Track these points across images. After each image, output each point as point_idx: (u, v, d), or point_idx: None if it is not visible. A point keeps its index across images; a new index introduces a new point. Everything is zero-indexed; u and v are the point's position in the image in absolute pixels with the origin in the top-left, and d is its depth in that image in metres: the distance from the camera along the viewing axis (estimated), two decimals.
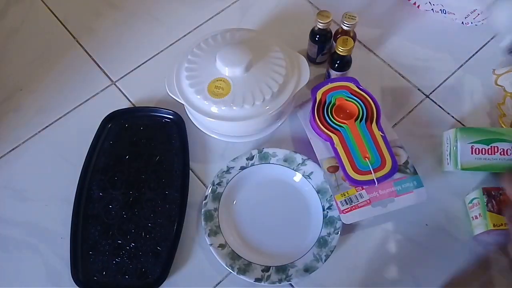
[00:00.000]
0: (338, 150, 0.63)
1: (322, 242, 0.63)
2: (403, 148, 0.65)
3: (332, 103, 0.66)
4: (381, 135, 0.63)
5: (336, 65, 0.69)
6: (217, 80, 0.64)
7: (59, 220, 0.66)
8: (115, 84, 0.78)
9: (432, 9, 0.80)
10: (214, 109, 0.63)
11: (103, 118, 0.72)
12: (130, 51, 0.80)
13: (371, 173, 0.61)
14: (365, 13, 0.79)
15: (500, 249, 0.63)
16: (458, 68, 0.77)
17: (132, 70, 0.79)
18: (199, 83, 0.64)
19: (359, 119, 0.64)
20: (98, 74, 0.78)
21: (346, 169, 0.62)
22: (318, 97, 0.66)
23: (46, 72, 0.79)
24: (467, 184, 0.67)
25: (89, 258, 0.63)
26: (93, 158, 0.70)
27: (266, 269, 0.62)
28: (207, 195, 0.66)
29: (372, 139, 0.63)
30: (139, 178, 0.68)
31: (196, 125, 0.72)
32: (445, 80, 0.76)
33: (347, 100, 0.66)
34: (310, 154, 0.67)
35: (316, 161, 0.66)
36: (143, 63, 0.79)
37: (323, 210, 0.65)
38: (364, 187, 0.62)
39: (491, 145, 0.63)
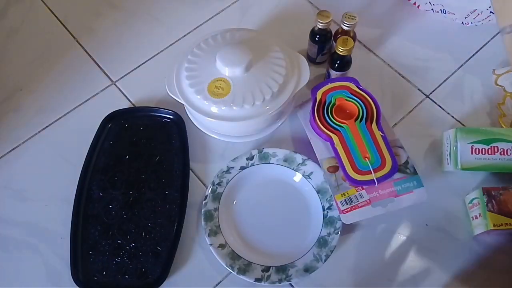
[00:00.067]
0: (338, 150, 0.63)
1: (322, 242, 0.63)
2: (403, 148, 0.65)
3: (332, 103, 0.66)
4: (381, 135, 0.63)
5: (336, 65, 0.69)
6: (217, 80, 0.64)
7: (59, 220, 0.66)
8: (115, 84, 0.78)
9: (432, 9, 0.79)
10: (214, 109, 0.63)
11: (103, 118, 0.72)
12: (130, 51, 0.80)
13: (371, 173, 0.61)
14: (365, 13, 0.79)
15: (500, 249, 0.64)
16: (458, 68, 0.77)
17: (132, 70, 0.79)
18: (199, 83, 0.64)
19: (359, 119, 0.64)
20: (98, 74, 0.78)
21: (346, 169, 0.62)
22: (318, 97, 0.66)
23: (46, 72, 0.79)
24: (467, 184, 0.67)
25: (89, 258, 0.63)
26: (93, 158, 0.70)
27: (266, 269, 0.62)
28: (207, 195, 0.66)
29: (372, 139, 0.63)
30: (139, 178, 0.68)
31: (196, 125, 0.72)
32: (445, 80, 0.76)
33: (347, 100, 0.66)
34: (310, 154, 0.67)
35: (316, 161, 0.66)
36: (143, 63, 0.79)
37: (323, 210, 0.65)
38: (364, 187, 0.62)
39: (491, 145, 0.63)
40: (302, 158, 0.67)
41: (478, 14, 0.75)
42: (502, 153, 0.63)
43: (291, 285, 0.63)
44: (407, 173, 0.63)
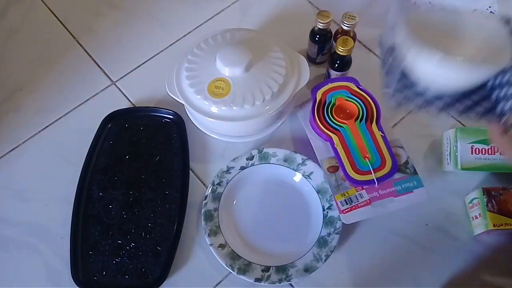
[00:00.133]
0: (338, 150, 0.63)
1: (322, 242, 0.63)
2: (403, 148, 0.65)
3: (332, 103, 0.66)
4: (381, 135, 0.63)
5: (336, 65, 0.69)
6: (217, 80, 0.64)
7: (59, 220, 0.66)
8: (115, 84, 0.78)
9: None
10: (214, 109, 0.63)
11: (103, 118, 0.72)
12: (130, 51, 0.80)
13: (371, 173, 0.61)
14: (365, 13, 0.79)
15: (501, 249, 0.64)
16: None
17: (132, 70, 0.79)
18: (199, 83, 0.64)
19: (359, 119, 0.64)
20: (98, 74, 0.78)
21: (346, 169, 0.62)
22: (318, 97, 0.66)
23: (46, 72, 0.79)
24: (467, 184, 0.67)
25: (89, 258, 0.63)
26: (93, 158, 0.70)
27: (266, 269, 0.62)
28: (207, 195, 0.66)
29: (372, 139, 0.63)
30: (139, 178, 0.68)
31: (196, 125, 0.72)
32: None
33: (347, 100, 0.66)
34: (310, 154, 0.67)
35: (316, 161, 0.66)
36: (143, 63, 0.79)
37: (323, 210, 0.65)
38: (364, 187, 0.62)
39: (491, 145, 0.63)
40: (302, 158, 0.67)
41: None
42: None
43: (291, 285, 0.63)
44: (407, 173, 0.63)
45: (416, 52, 0.44)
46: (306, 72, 0.67)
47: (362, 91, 0.66)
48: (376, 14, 0.83)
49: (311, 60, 0.77)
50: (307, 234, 0.65)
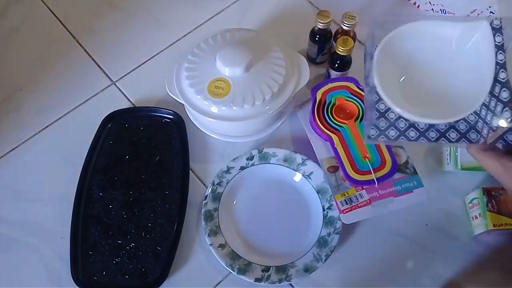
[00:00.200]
0: (338, 150, 0.63)
1: (322, 242, 0.63)
2: (403, 148, 0.65)
3: (332, 103, 0.66)
4: None
5: (336, 65, 0.69)
6: (217, 80, 0.64)
7: (59, 220, 0.66)
8: (115, 84, 0.78)
9: (432, 9, 0.79)
10: (214, 109, 0.63)
11: (103, 118, 0.72)
12: (130, 51, 0.80)
13: (371, 173, 0.61)
14: (365, 13, 0.79)
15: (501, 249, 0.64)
16: None
17: (132, 70, 0.79)
18: (199, 83, 0.64)
19: (359, 119, 0.64)
20: (98, 74, 0.78)
21: (346, 169, 0.62)
22: (318, 97, 0.66)
23: (46, 72, 0.79)
24: (467, 184, 0.67)
25: (89, 258, 0.63)
26: (93, 158, 0.70)
27: (266, 269, 0.62)
28: (207, 195, 0.66)
29: None
30: (139, 178, 0.68)
31: (196, 125, 0.72)
32: None
33: (347, 100, 0.66)
34: (310, 154, 0.67)
35: (316, 161, 0.66)
36: (143, 63, 0.79)
37: (323, 210, 0.65)
38: (364, 187, 0.62)
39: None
40: (302, 158, 0.67)
41: (478, 14, 0.75)
42: None
43: (291, 285, 0.63)
44: (407, 173, 0.63)
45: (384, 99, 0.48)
46: (306, 72, 0.67)
47: (362, 91, 0.66)
48: (376, 14, 0.83)
49: (311, 60, 0.77)
50: (307, 234, 0.65)
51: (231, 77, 0.64)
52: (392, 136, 0.48)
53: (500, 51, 0.46)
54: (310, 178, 0.67)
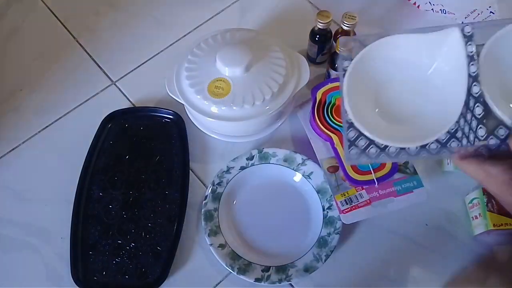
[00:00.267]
0: (338, 150, 0.63)
1: (322, 242, 0.63)
2: None
3: (332, 103, 0.66)
4: None
5: (336, 65, 0.69)
6: (217, 80, 0.64)
7: (59, 220, 0.66)
8: (115, 84, 0.78)
9: (432, 9, 0.79)
10: (214, 109, 0.63)
11: (103, 118, 0.72)
12: (130, 51, 0.80)
13: (371, 173, 0.61)
14: (365, 13, 0.79)
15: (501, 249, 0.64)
16: None
17: (132, 70, 0.79)
18: (199, 83, 0.64)
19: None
20: (98, 74, 0.78)
21: (346, 169, 0.62)
22: (318, 97, 0.66)
23: (46, 72, 0.79)
24: (467, 184, 0.67)
25: (89, 258, 0.63)
26: (93, 158, 0.70)
27: (266, 269, 0.62)
28: (207, 195, 0.66)
29: None
30: (139, 178, 0.68)
31: (196, 125, 0.72)
32: None
33: None
34: (310, 154, 0.67)
35: (316, 161, 0.66)
36: (143, 63, 0.79)
37: (323, 210, 0.65)
38: (364, 187, 0.62)
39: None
40: (302, 158, 0.67)
41: (478, 14, 0.75)
42: None
43: (291, 285, 0.63)
44: (407, 173, 0.63)
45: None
46: (306, 72, 0.67)
47: None
48: (376, 14, 0.83)
49: (311, 60, 0.77)
50: (307, 234, 0.65)
51: (231, 77, 0.64)
52: (373, 154, 0.47)
53: (472, 63, 0.44)
54: (310, 178, 0.67)
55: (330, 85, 0.67)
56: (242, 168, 0.68)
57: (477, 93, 0.44)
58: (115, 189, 0.68)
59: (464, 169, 0.46)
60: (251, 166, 0.68)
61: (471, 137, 0.44)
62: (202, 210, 0.65)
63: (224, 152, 0.71)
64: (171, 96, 0.67)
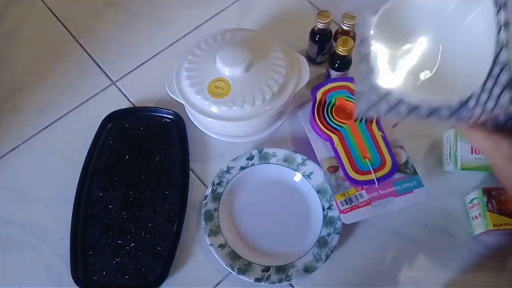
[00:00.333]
0: (338, 150, 0.63)
1: (322, 242, 0.63)
2: (403, 148, 0.65)
3: (332, 103, 0.66)
4: (381, 135, 0.63)
5: (336, 65, 0.69)
6: (217, 80, 0.64)
7: (59, 220, 0.66)
8: (115, 84, 0.78)
9: None
10: (214, 109, 0.63)
11: (103, 118, 0.72)
12: (130, 51, 0.80)
13: (371, 173, 0.61)
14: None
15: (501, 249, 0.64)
16: None
17: (132, 70, 0.79)
18: (199, 83, 0.64)
19: (359, 119, 0.64)
20: (98, 74, 0.78)
21: (346, 169, 0.62)
22: (318, 97, 0.66)
23: (46, 72, 0.79)
24: (467, 184, 0.67)
25: (89, 258, 0.63)
26: (93, 158, 0.70)
27: (266, 269, 0.62)
28: (207, 195, 0.66)
29: (372, 139, 0.63)
30: (139, 178, 0.68)
31: (196, 125, 0.72)
32: None
33: (347, 100, 0.66)
34: (310, 154, 0.67)
35: (316, 161, 0.66)
36: (143, 63, 0.79)
37: (323, 210, 0.65)
38: (364, 187, 0.62)
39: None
40: (302, 158, 0.67)
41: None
42: None
43: (291, 285, 0.63)
44: (407, 173, 0.63)
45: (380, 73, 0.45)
46: (306, 72, 0.67)
47: None
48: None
49: (311, 60, 0.77)
50: (307, 234, 0.65)
51: (231, 77, 0.64)
52: (383, 110, 0.45)
53: (503, 29, 0.43)
54: (310, 178, 0.67)
55: (330, 85, 0.67)
56: (242, 168, 0.68)
57: (504, 61, 0.43)
58: (115, 189, 0.68)
59: (472, 138, 0.45)
60: (251, 166, 0.68)
61: (490, 104, 0.43)
62: (202, 210, 0.65)
63: (224, 152, 0.71)
64: (171, 96, 0.67)
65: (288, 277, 0.61)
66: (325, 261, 0.61)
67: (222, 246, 0.63)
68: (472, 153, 0.63)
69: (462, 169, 0.63)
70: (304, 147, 0.68)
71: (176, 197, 0.67)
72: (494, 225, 0.59)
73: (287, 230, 0.65)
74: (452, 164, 0.65)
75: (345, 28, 0.69)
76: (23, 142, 0.73)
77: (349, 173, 0.61)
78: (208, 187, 0.67)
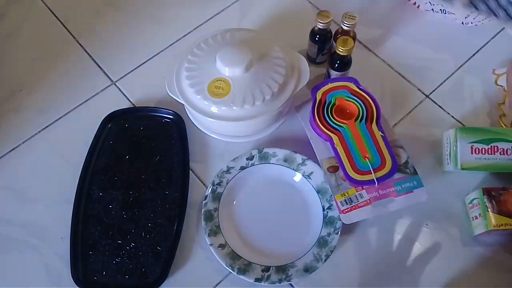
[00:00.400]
0: (338, 150, 0.63)
1: (322, 242, 0.63)
2: (403, 148, 0.65)
3: (332, 103, 0.66)
4: (381, 135, 0.63)
5: (336, 65, 0.69)
6: (217, 80, 0.64)
7: (59, 220, 0.66)
8: (115, 84, 0.78)
9: (432, 9, 0.79)
10: (214, 109, 0.63)
11: (103, 118, 0.72)
12: (130, 51, 0.80)
13: (371, 173, 0.61)
14: (365, 13, 0.79)
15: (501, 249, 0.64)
16: (458, 68, 0.77)
17: (132, 70, 0.79)
18: (199, 83, 0.64)
19: (359, 119, 0.64)
20: (98, 74, 0.78)
21: (346, 169, 0.62)
22: (318, 97, 0.66)
23: (46, 72, 0.79)
24: (467, 184, 0.67)
25: (89, 258, 0.63)
26: (93, 158, 0.70)
27: (266, 269, 0.62)
28: (207, 195, 0.66)
29: (372, 139, 0.63)
30: (139, 178, 0.68)
31: (196, 125, 0.72)
32: (445, 80, 0.76)
33: (347, 100, 0.66)
34: (310, 154, 0.66)
35: (316, 161, 0.66)
36: (143, 63, 0.79)
37: (323, 210, 0.65)
38: (364, 187, 0.62)
39: (491, 145, 0.63)
40: (302, 158, 0.67)
41: (478, 14, 0.75)
42: (502, 153, 0.63)
43: (291, 285, 0.63)
44: (407, 173, 0.63)
45: None
46: (306, 72, 0.67)
47: (362, 91, 0.66)
48: (376, 14, 0.83)
49: (311, 60, 0.77)
50: (307, 234, 0.65)
51: (231, 77, 0.64)
52: None
53: None
54: (310, 178, 0.67)
55: (330, 85, 0.67)
56: (242, 168, 0.68)
57: None
58: (115, 189, 0.68)
59: None
60: (251, 166, 0.68)
61: None
62: (202, 210, 0.65)
63: (224, 152, 0.71)
64: (171, 96, 0.67)
65: (288, 277, 0.61)
66: (325, 261, 0.61)
67: (222, 246, 0.63)
68: (472, 153, 0.63)
69: (462, 169, 0.63)
70: (304, 147, 0.68)
71: (176, 197, 0.67)
72: (494, 225, 0.59)
73: (287, 230, 0.65)
74: (452, 164, 0.65)
75: (345, 28, 0.69)
76: (23, 142, 0.73)
77: (349, 173, 0.61)
78: (208, 187, 0.67)
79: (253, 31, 0.72)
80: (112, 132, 0.72)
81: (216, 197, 0.66)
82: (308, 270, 0.61)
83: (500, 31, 0.80)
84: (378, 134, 0.63)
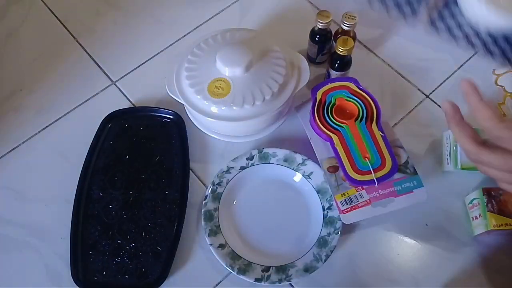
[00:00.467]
0: (338, 150, 0.63)
1: (322, 242, 0.63)
2: (403, 148, 0.65)
3: (332, 103, 0.66)
4: (381, 135, 0.63)
5: (336, 65, 0.69)
6: (217, 80, 0.64)
7: (59, 220, 0.66)
8: (115, 84, 0.78)
9: None
10: (214, 109, 0.63)
11: (103, 118, 0.72)
12: (130, 51, 0.80)
13: (371, 173, 0.61)
14: (365, 13, 0.79)
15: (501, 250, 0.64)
16: (458, 68, 0.77)
17: (132, 70, 0.79)
18: (199, 83, 0.64)
19: (359, 119, 0.64)
20: (98, 74, 0.78)
21: (346, 169, 0.62)
22: (318, 97, 0.66)
23: (46, 72, 0.79)
24: (467, 184, 0.67)
25: (89, 258, 0.63)
26: (93, 158, 0.70)
27: (266, 269, 0.62)
28: (207, 195, 0.66)
29: (372, 139, 0.63)
30: (139, 178, 0.68)
31: (196, 125, 0.72)
32: (445, 80, 0.76)
33: (347, 100, 0.66)
34: (310, 154, 0.66)
35: (316, 161, 0.66)
36: (143, 63, 0.79)
37: (323, 210, 0.65)
38: (364, 187, 0.62)
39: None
40: (302, 158, 0.67)
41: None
42: None
43: (291, 285, 0.63)
44: (407, 173, 0.63)
45: None
46: (306, 72, 0.67)
47: (362, 91, 0.66)
48: (376, 14, 0.83)
49: (311, 60, 0.77)
50: (307, 234, 0.65)
51: (231, 77, 0.64)
52: None
53: None
54: (310, 178, 0.67)
55: (330, 85, 0.67)
56: (242, 168, 0.68)
57: None
58: (115, 189, 0.68)
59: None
60: (251, 166, 0.68)
61: None
62: (202, 210, 0.65)
63: (224, 152, 0.71)
64: (171, 96, 0.67)
65: (288, 277, 0.61)
66: (325, 261, 0.61)
67: (222, 246, 0.63)
68: None
69: (462, 169, 0.63)
70: (304, 147, 0.68)
71: (176, 197, 0.67)
72: (494, 225, 0.59)
73: (287, 230, 0.65)
74: (452, 164, 0.65)
75: (345, 28, 0.69)
76: (23, 142, 0.73)
77: (349, 173, 0.61)
78: (208, 187, 0.67)
79: (253, 31, 0.72)
80: (112, 132, 0.72)
81: (216, 197, 0.66)
82: (308, 270, 0.61)
83: None
84: (378, 134, 0.63)
